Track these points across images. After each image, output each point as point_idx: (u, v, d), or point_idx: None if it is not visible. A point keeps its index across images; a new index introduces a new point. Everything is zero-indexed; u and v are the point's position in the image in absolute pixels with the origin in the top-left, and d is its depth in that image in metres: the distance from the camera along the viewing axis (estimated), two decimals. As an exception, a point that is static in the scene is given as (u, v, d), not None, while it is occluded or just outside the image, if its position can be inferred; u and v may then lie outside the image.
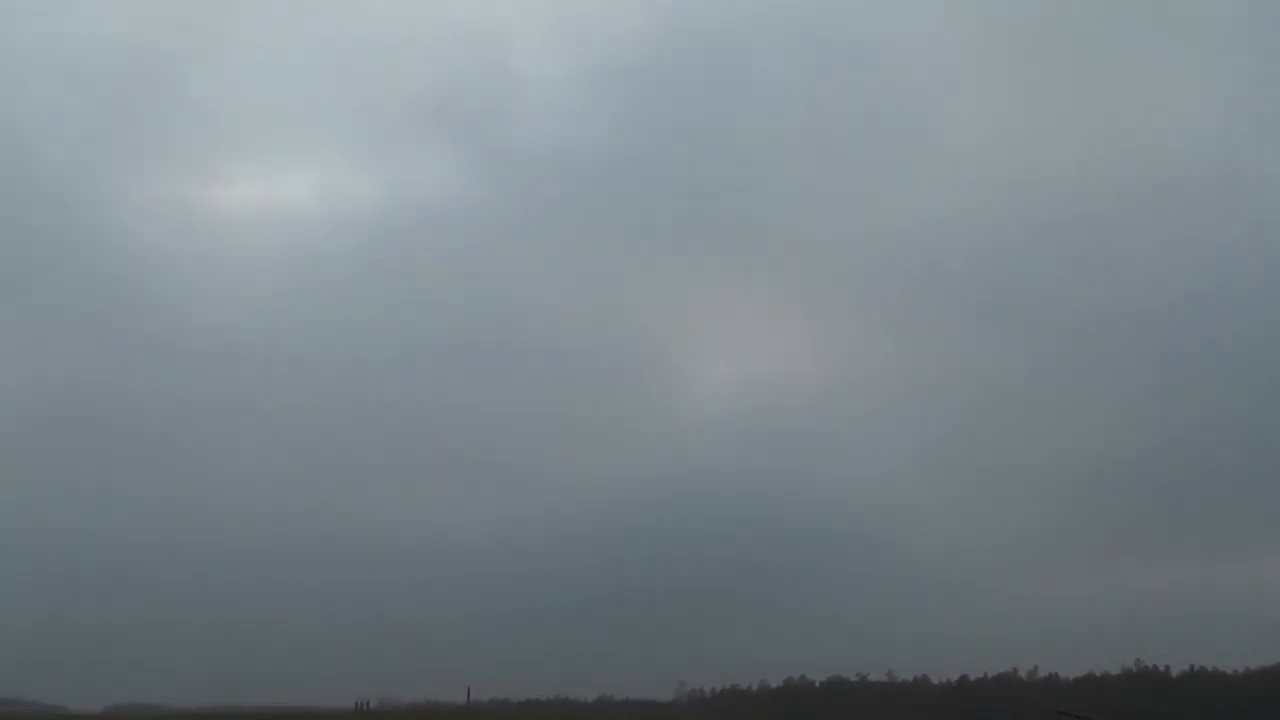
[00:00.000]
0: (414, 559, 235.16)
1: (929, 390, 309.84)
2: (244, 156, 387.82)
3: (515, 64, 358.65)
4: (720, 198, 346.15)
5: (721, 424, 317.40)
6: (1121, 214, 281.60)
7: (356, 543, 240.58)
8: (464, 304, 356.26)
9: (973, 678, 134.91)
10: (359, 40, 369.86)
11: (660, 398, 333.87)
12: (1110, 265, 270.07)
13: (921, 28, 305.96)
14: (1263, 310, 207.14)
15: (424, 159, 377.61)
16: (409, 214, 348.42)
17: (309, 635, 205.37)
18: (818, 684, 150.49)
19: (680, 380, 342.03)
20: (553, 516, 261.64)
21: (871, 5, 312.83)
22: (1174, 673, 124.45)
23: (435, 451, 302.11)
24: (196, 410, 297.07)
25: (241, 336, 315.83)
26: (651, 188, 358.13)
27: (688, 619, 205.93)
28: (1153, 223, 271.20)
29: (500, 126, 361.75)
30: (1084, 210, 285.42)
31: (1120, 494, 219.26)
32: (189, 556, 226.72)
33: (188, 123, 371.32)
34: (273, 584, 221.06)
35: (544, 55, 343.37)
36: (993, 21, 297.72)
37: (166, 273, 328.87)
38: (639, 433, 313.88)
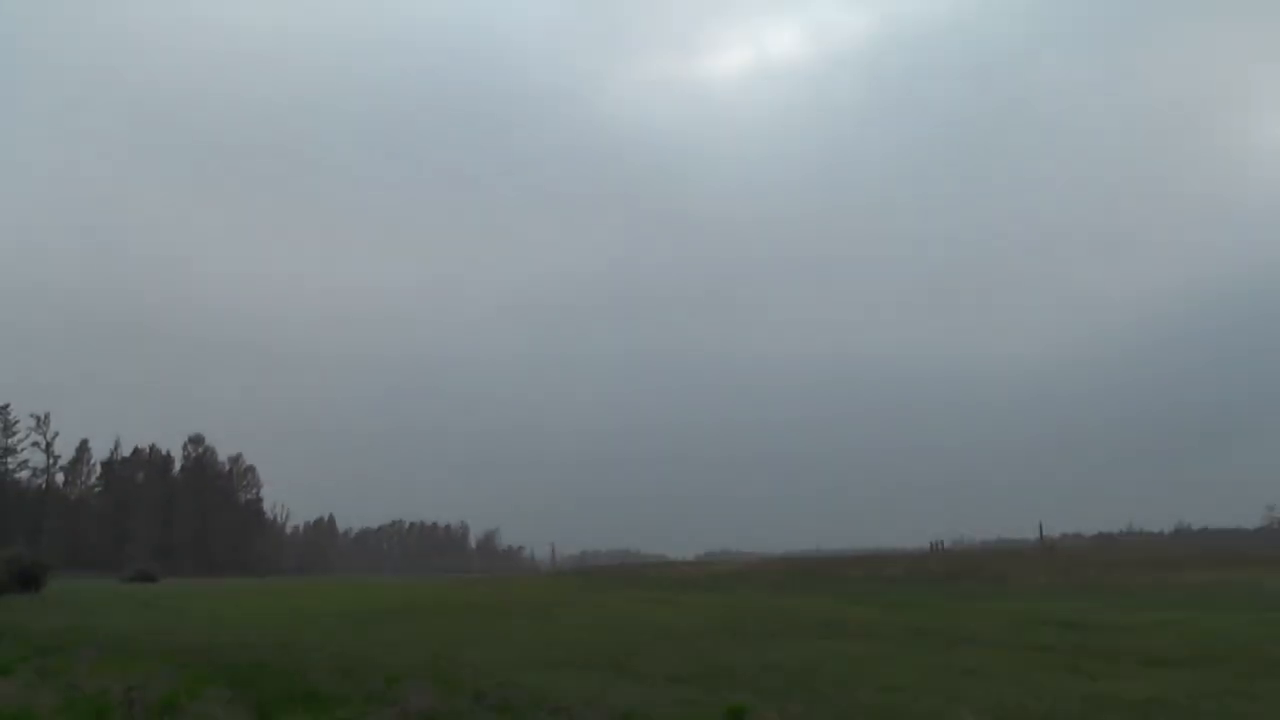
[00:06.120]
0: (974, 395, 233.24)
1: None
2: (728, 18, 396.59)
3: None
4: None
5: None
6: None
7: (915, 383, 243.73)
8: (977, 112, 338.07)
9: None
10: None
11: (1210, 179, 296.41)
12: None
13: None
14: None
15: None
16: (904, 35, 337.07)
17: (880, 481, 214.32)
18: None
19: (1232, 155, 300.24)
20: (1107, 336, 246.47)
21: None
22: None
23: (981, 279, 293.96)
24: (715, 278, 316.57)
25: (747, 200, 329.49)
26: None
27: (1278, 437, 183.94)
28: None
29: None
30: None
31: None
32: (745, 417, 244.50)
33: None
34: (833, 435, 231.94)
35: None
36: None
37: (668, 149, 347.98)
38: (1191, 225, 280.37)
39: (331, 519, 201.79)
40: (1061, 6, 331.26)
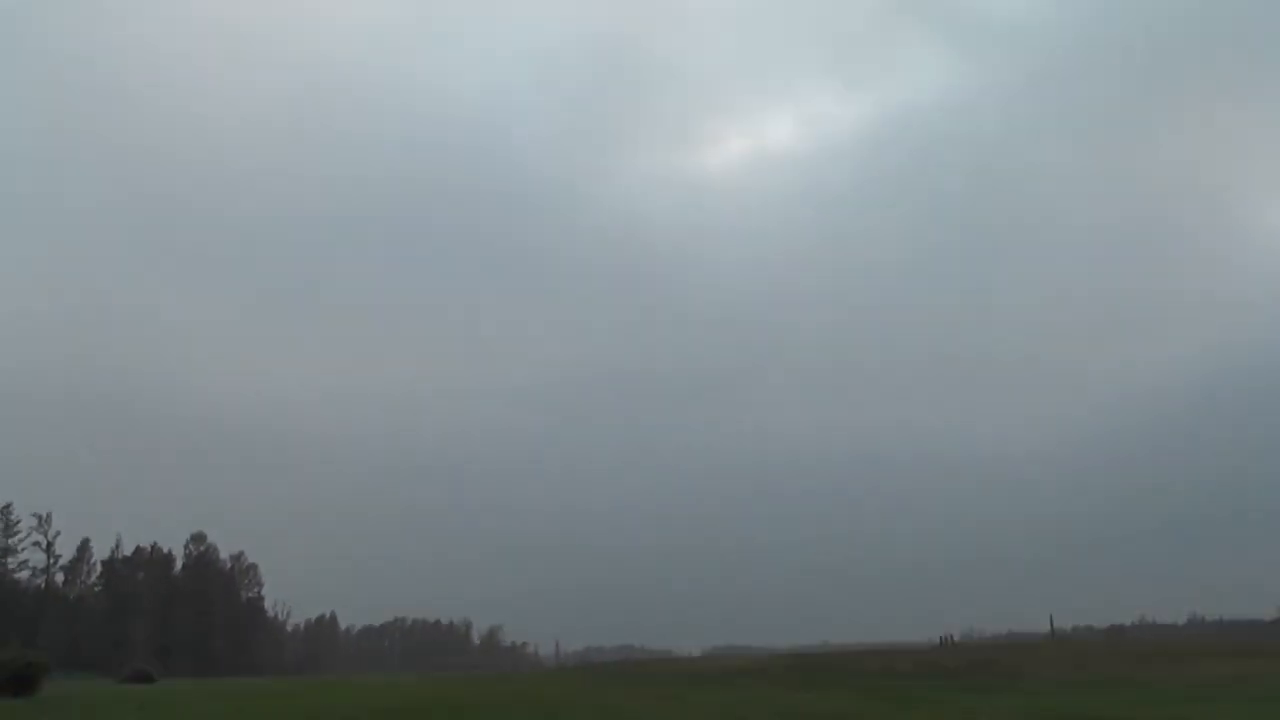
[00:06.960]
0: (983, 486, 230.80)
1: None
2: (724, 111, 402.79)
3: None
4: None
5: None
6: None
7: (921, 474, 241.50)
8: (971, 199, 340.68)
9: None
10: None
11: (1210, 260, 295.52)
12: None
13: None
14: None
15: (902, 59, 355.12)
16: (897, 124, 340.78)
17: (887, 574, 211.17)
18: None
19: (1234, 234, 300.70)
20: (1117, 428, 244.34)
21: None
22: None
23: (987, 367, 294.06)
24: (718, 371, 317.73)
25: (749, 292, 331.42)
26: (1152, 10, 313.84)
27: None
28: None
29: (974, 5, 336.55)
30: None
31: None
32: (747, 511, 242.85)
33: (665, 91, 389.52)
34: (838, 527, 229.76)
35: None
36: None
37: (666, 243, 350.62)
38: (1199, 316, 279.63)
39: (333, 616, 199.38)
40: (1057, 91, 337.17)
